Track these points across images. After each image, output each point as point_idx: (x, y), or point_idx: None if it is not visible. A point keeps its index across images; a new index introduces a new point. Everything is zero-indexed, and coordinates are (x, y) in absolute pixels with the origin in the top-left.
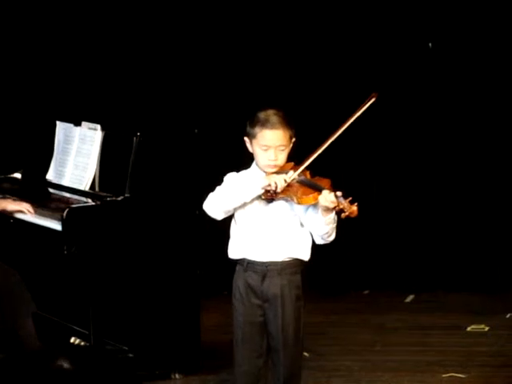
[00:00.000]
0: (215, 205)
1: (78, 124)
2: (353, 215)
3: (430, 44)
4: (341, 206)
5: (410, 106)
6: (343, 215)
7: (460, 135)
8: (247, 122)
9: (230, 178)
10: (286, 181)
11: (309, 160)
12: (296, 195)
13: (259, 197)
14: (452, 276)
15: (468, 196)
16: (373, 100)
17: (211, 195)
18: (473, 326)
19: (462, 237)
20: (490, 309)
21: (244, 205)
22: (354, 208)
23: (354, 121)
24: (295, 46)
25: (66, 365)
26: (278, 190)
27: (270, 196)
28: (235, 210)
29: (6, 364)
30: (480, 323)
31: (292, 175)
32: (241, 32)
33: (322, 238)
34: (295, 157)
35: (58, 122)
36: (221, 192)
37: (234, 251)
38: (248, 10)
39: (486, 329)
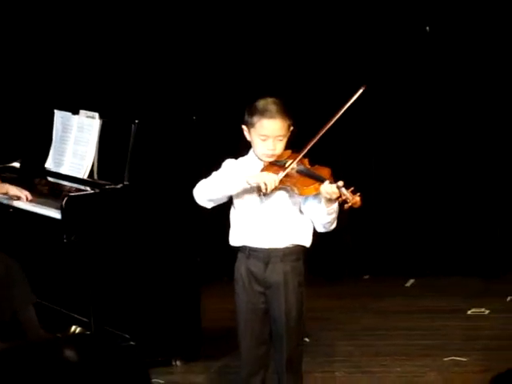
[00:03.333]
0: (203, 192)
1: (75, 112)
2: (356, 205)
3: (428, 28)
4: (343, 197)
5: (408, 93)
6: (346, 206)
7: (461, 122)
8: (245, 110)
9: (228, 164)
10: (276, 182)
11: (305, 149)
12: (296, 186)
13: (254, 189)
14: (452, 260)
15: (466, 180)
16: (362, 89)
17: (201, 182)
18: (473, 310)
19: (461, 220)
20: (490, 292)
21: (230, 195)
22: (357, 198)
23: (348, 109)
24: (292, 33)
25: (70, 353)
26: (268, 192)
27: (262, 193)
28: (220, 200)
29: (9, 354)
30: (480, 307)
31: (288, 167)
32: (239, 19)
33: (324, 227)
34: (293, 145)
35: (55, 111)
36: (210, 180)
37: (235, 238)
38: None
39: (487, 312)
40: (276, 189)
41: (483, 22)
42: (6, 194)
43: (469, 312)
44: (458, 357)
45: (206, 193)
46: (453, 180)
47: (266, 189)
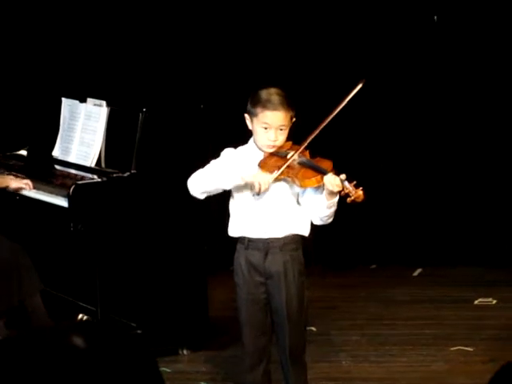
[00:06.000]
0: (197, 184)
1: (83, 100)
2: (359, 200)
3: (436, 17)
4: (346, 191)
5: (414, 84)
6: (349, 200)
7: (473, 111)
8: (248, 99)
9: (227, 153)
10: (269, 182)
11: (307, 141)
12: (297, 177)
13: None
14: (459, 249)
15: (474, 168)
16: (361, 84)
17: (197, 173)
18: (480, 300)
19: (469, 210)
20: (497, 282)
21: (223, 189)
22: (360, 192)
23: (352, 100)
24: (297, 23)
25: (77, 340)
26: (261, 192)
27: (255, 193)
28: (214, 192)
29: (17, 341)
30: (487, 296)
31: (289, 159)
32: (247, 9)
33: (321, 220)
34: (294, 136)
35: (63, 99)
36: (206, 172)
37: (234, 229)
38: None
39: (494, 302)
40: (277, 180)
41: (492, 14)
42: (7, 187)
43: (476, 302)
44: (465, 347)
45: (201, 185)
46: (460, 169)
47: (260, 189)
